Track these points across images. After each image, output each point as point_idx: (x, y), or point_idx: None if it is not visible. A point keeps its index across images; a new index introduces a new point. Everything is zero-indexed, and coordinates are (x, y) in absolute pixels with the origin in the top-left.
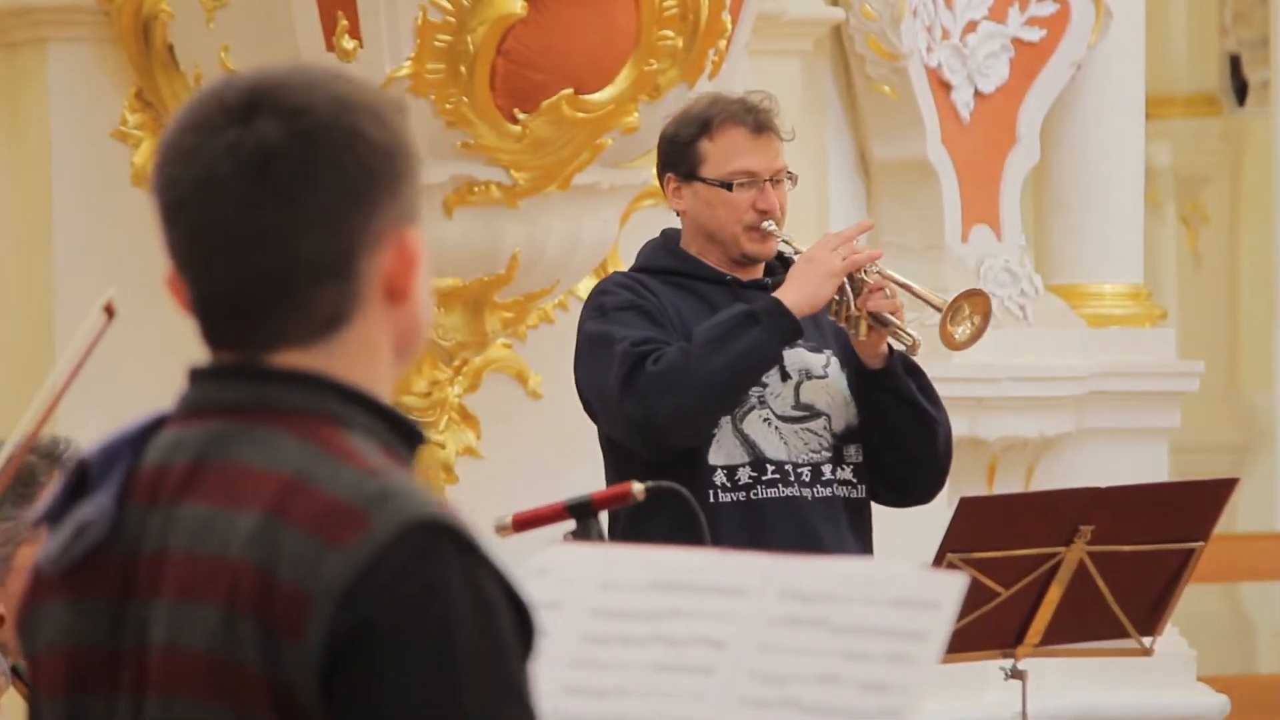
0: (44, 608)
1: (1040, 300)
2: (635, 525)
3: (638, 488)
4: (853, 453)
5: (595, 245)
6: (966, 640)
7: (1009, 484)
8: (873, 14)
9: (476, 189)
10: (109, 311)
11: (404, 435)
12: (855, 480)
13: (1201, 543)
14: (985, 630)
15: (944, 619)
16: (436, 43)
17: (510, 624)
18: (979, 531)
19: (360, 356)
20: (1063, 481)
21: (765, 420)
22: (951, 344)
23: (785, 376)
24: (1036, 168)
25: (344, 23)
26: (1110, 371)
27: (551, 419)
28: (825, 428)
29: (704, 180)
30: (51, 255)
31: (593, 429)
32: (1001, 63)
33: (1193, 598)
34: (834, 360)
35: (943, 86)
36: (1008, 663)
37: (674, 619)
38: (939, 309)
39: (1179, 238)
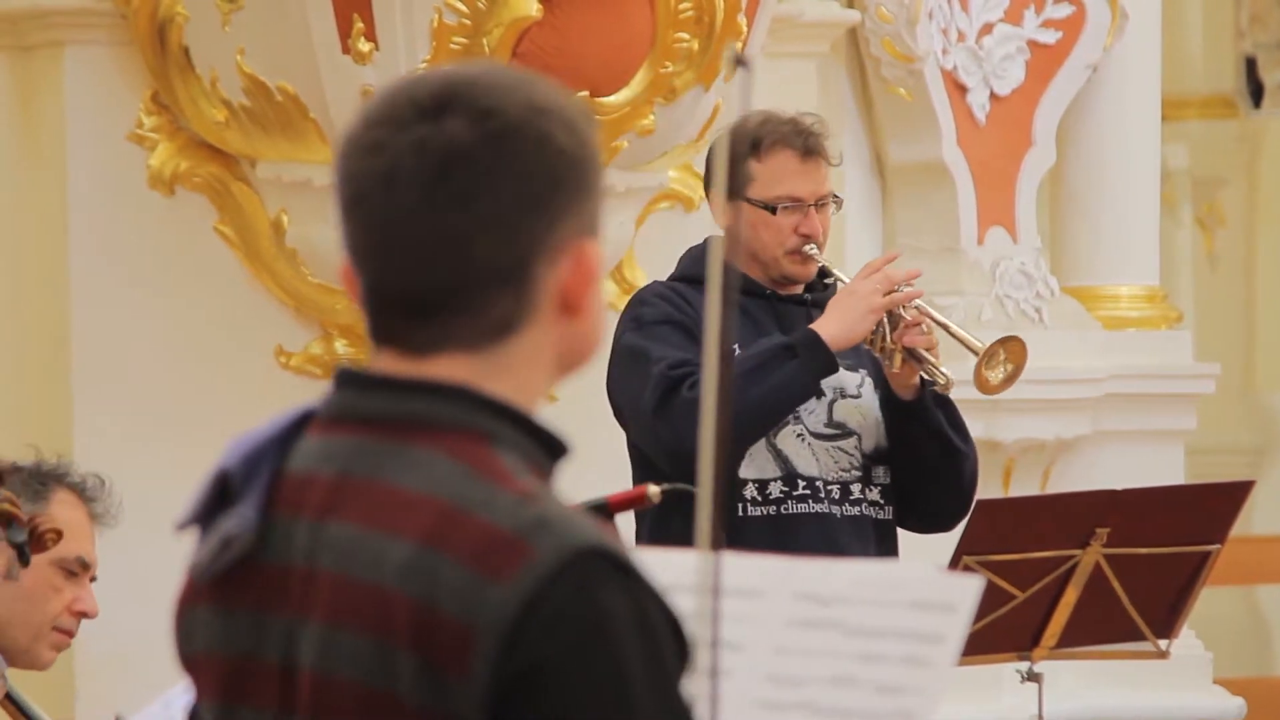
0: (197, 612)
1: (1056, 302)
2: (657, 528)
3: (654, 490)
4: (881, 474)
5: (612, 248)
6: (982, 643)
7: (1025, 486)
8: (888, 16)
9: None
10: None
11: (548, 448)
12: (882, 501)
13: (1218, 545)
14: (1001, 633)
15: (960, 621)
16: (452, 45)
17: (671, 647)
18: (995, 534)
19: (523, 366)
20: (1079, 484)
21: (799, 436)
22: (985, 388)
23: (820, 394)
24: (1052, 170)
25: (360, 25)
26: (1126, 374)
27: (568, 422)
28: (856, 447)
29: (749, 200)
30: (67, 257)
31: (609, 432)
32: (1017, 65)
33: (1209, 600)
34: (868, 380)
35: (958, 89)
36: (1024, 665)
37: (691, 621)
38: (975, 352)
39: (1195, 240)
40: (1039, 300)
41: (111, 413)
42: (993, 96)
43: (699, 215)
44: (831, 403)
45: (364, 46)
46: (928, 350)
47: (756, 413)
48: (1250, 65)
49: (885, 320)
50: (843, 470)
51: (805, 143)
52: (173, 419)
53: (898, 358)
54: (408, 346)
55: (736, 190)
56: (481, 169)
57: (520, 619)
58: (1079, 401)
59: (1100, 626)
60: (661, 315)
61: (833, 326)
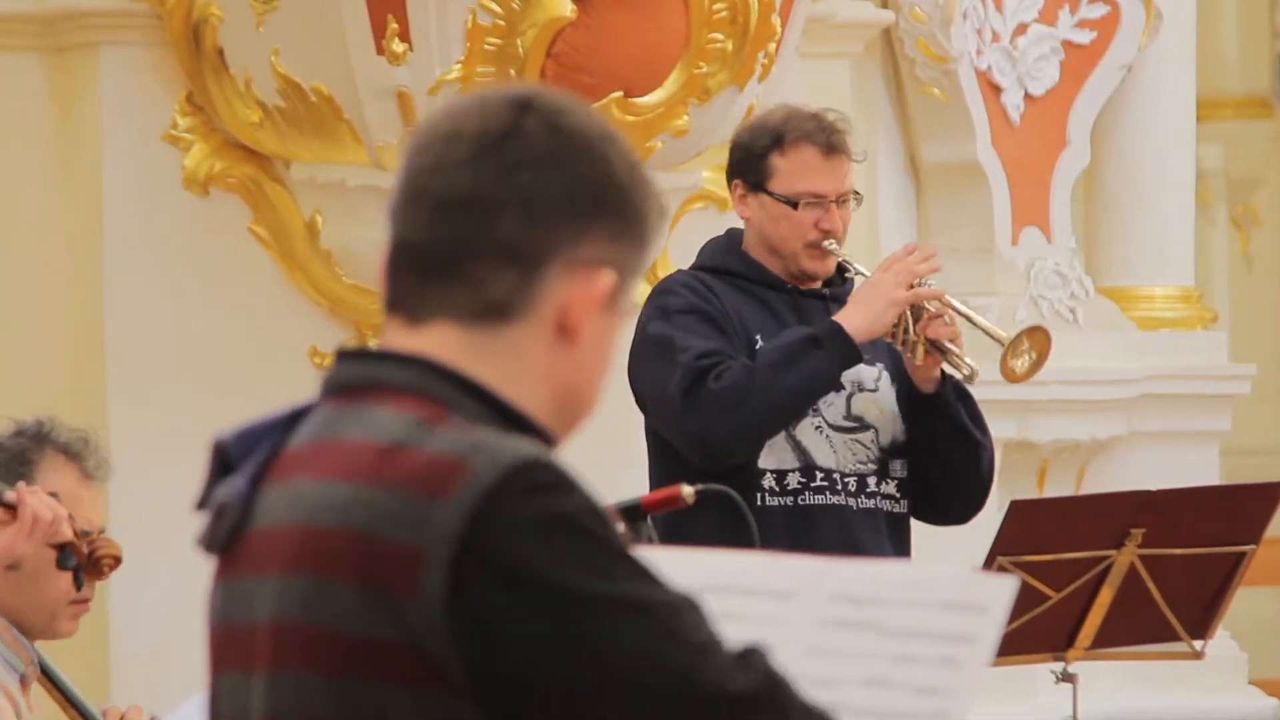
0: (212, 587)
1: (1091, 303)
2: (684, 527)
3: (687, 491)
4: (898, 468)
5: None
6: (1017, 643)
7: (1060, 487)
8: (923, 17)
9: None
10: None
11: (526, 434)
12: (898, 495)
13: (1253, 546)
14: (1036, 633)
15: (994, 622)
16: (486, 46)
17: (620, 537)
18: (1029, 534)
19: (508, 360)
20: (1113, 484)
21: (817, 428)
22: (1011, 377)
23: (839, 387)
24: (1087, 170)
25: (394, 25)
26: (1161, 374)
27: (599, 422)
28: (873, 440)
29: (771, 194)
30: (102, 258)
31: (639, 433)
32: (1052, 65)
33: (1244, 601)
34: (885, 374)
35: (993, 89)
36: (1058, 666)
37: (724, 622)
38: (1000, 342)
39: (1230, 240)
40: (1074, 301)
41: (146, 413)
42: (1027, 97)
43: (733, 216)
44: (850, 396)
45: (398, 47)
46: (951, 341)
47: (784, 405)
48: None
49: (908, 312)
50: (859, 463)
51: (829, 139)
52: (207, 419)
53: (920, 349)
54: (408, 313)
55: (759, 183)
56: (537, 153)
57: (467, 533)
58: (1114, 402)
59: (1135, 627)
60: (687, 304)
61: (855, 319)
